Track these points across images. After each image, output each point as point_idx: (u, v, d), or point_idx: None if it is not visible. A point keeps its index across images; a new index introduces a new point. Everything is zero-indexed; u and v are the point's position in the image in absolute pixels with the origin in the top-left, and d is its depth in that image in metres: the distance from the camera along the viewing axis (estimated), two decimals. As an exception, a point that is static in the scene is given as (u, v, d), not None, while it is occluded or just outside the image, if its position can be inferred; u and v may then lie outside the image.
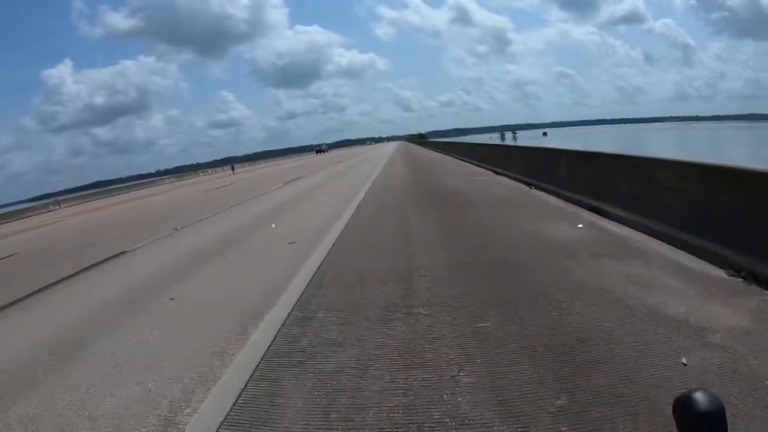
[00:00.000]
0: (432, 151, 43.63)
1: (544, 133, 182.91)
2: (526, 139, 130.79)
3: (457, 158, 27.79)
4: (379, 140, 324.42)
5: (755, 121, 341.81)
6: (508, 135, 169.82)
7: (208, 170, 74.71)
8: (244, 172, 58.89)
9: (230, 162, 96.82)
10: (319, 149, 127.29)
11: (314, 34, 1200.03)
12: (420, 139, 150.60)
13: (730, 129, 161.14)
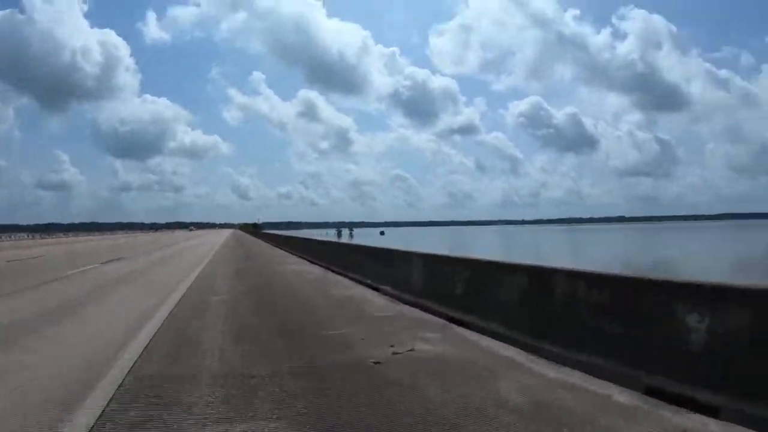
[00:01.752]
0: (281, 252, 31.42)
1: (382, 232, 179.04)
2: (363, 237, 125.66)
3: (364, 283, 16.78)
4: (212, 226, 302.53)
5: (571, 224, 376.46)
6: (345, 232, 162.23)
7: None
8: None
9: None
10: None
11: (162, 106, 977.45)
12: (254, 229, 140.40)
13: (543, 231, 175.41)
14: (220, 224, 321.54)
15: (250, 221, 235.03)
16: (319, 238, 28.97)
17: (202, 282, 13.10)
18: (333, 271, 15.64)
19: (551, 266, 6.13)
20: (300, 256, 23.50)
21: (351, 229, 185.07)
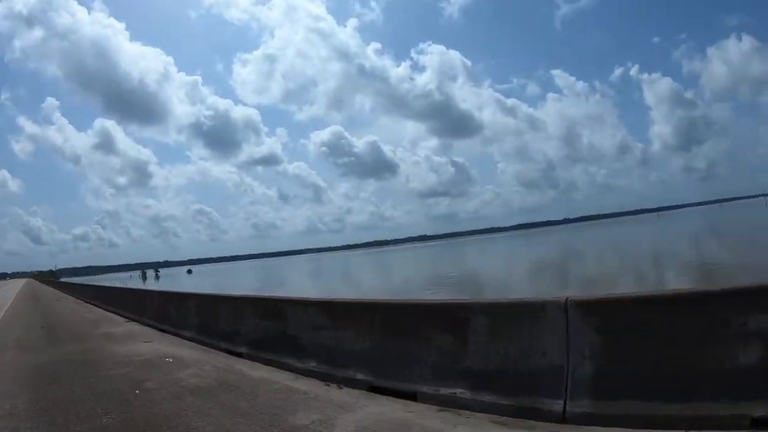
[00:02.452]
0: (98, 311, 22.30)
1: (189, 271, 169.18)
2: (170, 278, 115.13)
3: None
4: (3, 277, 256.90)
5: (377, 247, 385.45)
6: (150, 273, 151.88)
7: None
8: None
9: None
10: None
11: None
12: (51, 278, 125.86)
13: (354, 256, 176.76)
14: (12, 274, 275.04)
15: (45, 269, 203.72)
16: (159, 288, 21.10)
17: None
18: (221, 351, 8.66)
19: None
20: (132, 319, 15.54)
21: (157, 271, 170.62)
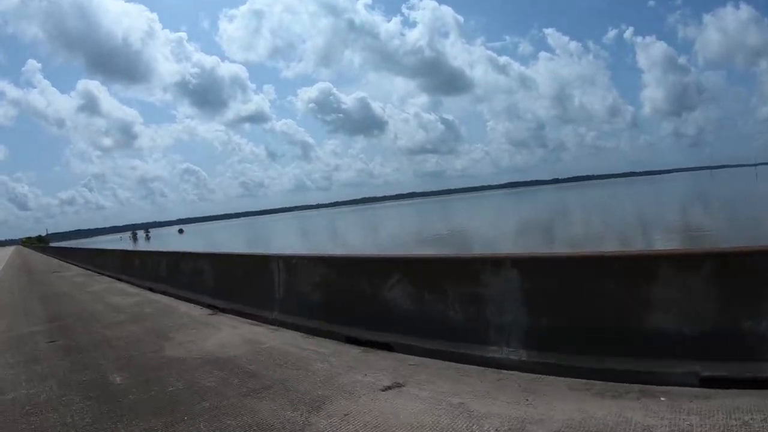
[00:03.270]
0: (118, 286, 15.34)
1: (180, 230, 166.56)
2: (161, 238, 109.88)
3: None
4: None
5: (365, 204, 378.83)
6: (140, 235, 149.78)
7: None
8: None
9: None
10: None
11: None
12: (40, 243, 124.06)
13: (337, 213, 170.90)
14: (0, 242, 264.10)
15: (33, 234, 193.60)
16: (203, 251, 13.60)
17: None
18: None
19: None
20: (221, 308, 8.05)
21: (147, 231, 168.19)
